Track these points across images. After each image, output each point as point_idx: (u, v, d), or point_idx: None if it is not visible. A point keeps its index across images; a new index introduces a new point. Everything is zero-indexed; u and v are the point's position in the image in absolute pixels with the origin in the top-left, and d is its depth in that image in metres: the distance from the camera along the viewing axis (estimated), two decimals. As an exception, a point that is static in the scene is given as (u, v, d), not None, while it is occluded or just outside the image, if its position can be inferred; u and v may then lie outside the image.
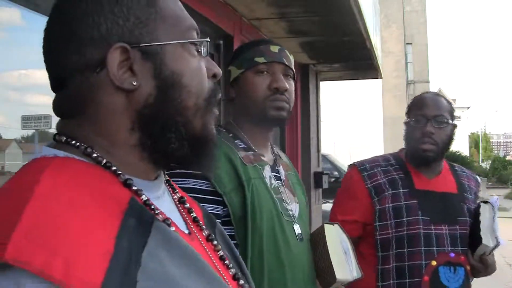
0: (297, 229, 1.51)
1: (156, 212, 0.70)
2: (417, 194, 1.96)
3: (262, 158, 1.53)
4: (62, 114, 0.74)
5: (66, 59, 0.71)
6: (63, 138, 0.71)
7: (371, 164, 2.05)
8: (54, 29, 0.73)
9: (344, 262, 1.55)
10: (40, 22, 2.10)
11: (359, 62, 5.80)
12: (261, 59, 1.52)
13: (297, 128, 5.66)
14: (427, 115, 1.98)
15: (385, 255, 1.93)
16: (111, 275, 0.56)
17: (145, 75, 0.70)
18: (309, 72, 5.81)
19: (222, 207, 1.40)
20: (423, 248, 1.90)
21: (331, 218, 2.07)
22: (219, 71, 0.78)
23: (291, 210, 1.52)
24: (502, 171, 33.27)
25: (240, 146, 1.51)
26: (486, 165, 40.97)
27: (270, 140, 1.63)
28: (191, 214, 0.81)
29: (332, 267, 1.51)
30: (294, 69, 1.59)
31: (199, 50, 0.76)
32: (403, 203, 1.94)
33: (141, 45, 0.70)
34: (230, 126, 1.57)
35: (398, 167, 2.03)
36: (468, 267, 1.96)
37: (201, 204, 1.38)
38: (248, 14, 3.90)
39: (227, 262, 0.80)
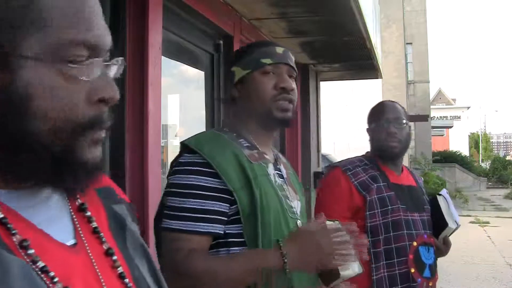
0: (300, 226, 1.52)
1: (13, 232, 0.62)
2: (393, 187, 2.29)
3: (266, 156, 1.55)
4: None
5: None
6: None
7: (351, 165, 2.34)
8: None
9: None
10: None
11: (359, 62, 5.81)
12: (267, 60, 1.54)
13: (297, 128, 5.66)
14: (389, 119, 2.33)
15: (375, 239, 2.19)
16: None
17: None
18: (309, 72, 5.81)
19: (229, 205, 1.42)
20: (405, 232, 2.22)
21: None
22: (110, 95, 0.67)
23: (294, 208, 1.55)
24: (502, 171, 33.18)
25: (244, 145, 1.53)
26: (486, 165, 40.90)
27: (272, 140, 1.66)
28: (91, 224, 0.74)
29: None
30: (296, 70, 1.62)
31: (82, 70, 0.64)
32: (385, 194, 2.25)
33: None
34: (233, 126, 1.58)
35: (372, 165, 2.34)
36: (434, 248, 2.33)
37: (207, 201, 1.39)
38: (248, 14, 3.90)
39: (126, 280, 0.74)
